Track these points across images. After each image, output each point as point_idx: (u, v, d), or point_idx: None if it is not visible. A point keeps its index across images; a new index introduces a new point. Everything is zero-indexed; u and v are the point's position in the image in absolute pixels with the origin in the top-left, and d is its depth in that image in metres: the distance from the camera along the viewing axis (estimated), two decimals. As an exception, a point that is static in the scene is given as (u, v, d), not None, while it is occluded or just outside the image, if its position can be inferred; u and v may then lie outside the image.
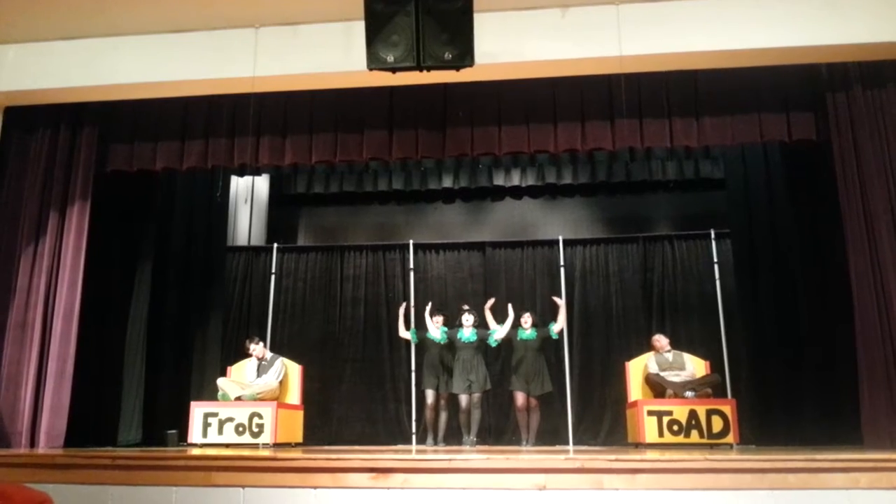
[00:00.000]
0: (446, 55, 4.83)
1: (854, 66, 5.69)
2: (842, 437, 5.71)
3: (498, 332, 7.16)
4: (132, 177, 6.59)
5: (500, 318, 7.38)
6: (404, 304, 7.71)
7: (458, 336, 7.16)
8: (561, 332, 7.29)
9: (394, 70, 4.93)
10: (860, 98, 5.65)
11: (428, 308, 7.42)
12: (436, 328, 7.29)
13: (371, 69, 4.92)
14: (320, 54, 5.72)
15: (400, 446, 7.16)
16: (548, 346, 7.41)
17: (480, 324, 7.34)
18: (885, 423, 5.09)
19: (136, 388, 6.91)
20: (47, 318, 5.97)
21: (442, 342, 7.23)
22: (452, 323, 7.42)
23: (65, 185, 6.25)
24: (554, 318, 7.26)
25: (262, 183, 9.68)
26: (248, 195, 9.49)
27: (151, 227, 7.33)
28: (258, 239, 9.49)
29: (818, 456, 3.74)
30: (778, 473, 3.64)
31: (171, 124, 6.42)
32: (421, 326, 7.49)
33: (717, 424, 5.94)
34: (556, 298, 7.43)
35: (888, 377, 5.15)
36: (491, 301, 7.39)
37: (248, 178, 9.31)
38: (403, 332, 7.54)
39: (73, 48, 6.04)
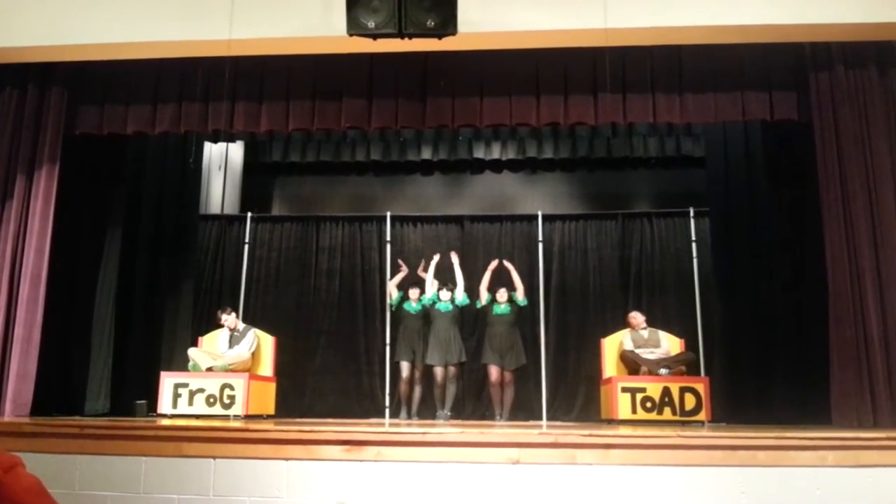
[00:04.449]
0: (429, 22, 4.74)
1: (837, 47, 5.70)
2: (811, 416, 5.79)
3: (518, 290, 7.21)
4: (102, 141, 6.42)
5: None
6: (429, 265, 7.55)
7: (436, 307, 7.13)
8: (526, 296, 7.30)
9: (374, 36, 4.83)
10: (842, 78, 5.66)
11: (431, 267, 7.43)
12: (431, 287, 7.25)
13: (351, 35, 4.81)
14: (299, 18, 5.56)
15: (373, 419, 7.14)
16: (522, 321, 7.41)
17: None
18: (854, 403, 5.17)
19: (105, 356, 6.77)
20: (13, 283, 5.83)
21: (415, 311, 7.17)
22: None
23: (32, 148, 6.07)
24: (512, 287, 7.23)
25: (236, 150, 9.49)
26: (222, 162, 9.30)
27: (122, 193, 7.13)
28: (231, 207, 9.33)
29: (787, 434, 3.79)
30: (748, 451, 3.68)
31: (144, 87, 6.25)
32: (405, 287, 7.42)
33: (690, 402, 5.98)
34: (505, 262, 7.44)
35: (858, 357, 5.23)
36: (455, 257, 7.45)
37: (221, 145, 9.11)
38: (392, 286, 7.46)
39: (43, 5, 5.81)
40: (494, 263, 7.39)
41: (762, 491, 3.58)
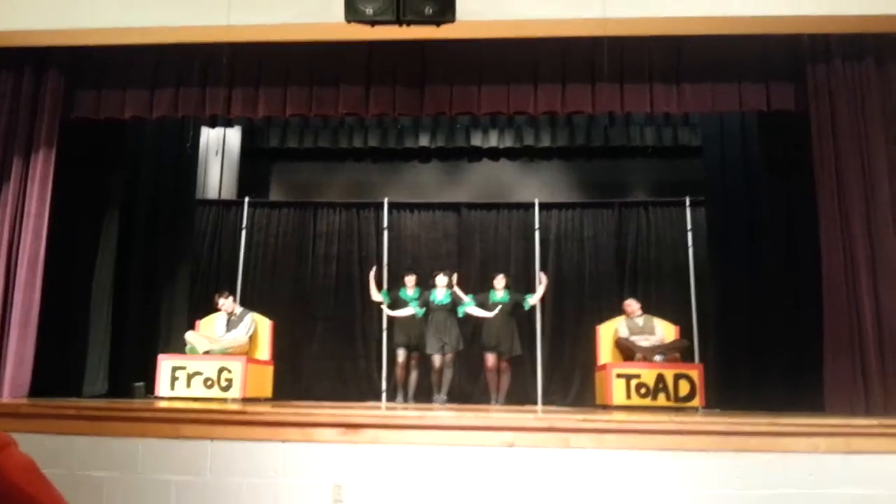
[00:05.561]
0: (427, 10, 4.73)
1: (835, 38, 5.69)
2: (804, 403, 5.83)
3: (533, 297, 7.24)
4: (99, 125, 6.40)
5: (481, 286, 7.42)
6: (374, 269, 7.63)
7: (431, 298, 7.14)
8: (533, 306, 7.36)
9: (372, 23, 4.81)
10: (840, 70, 5.67)
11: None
12: (410, 290, 7.29)
13: (349, 21, 4.80)
14: (297, 4, 5.55)
15: (370, 403, 7.18)
16: (519, 309, 7.44)
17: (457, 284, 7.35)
18: (847, 391, 5.21)
19: (103, 339, 6.79)
20: (10, 266, 5.84)
21: (417, 311, 7.14)
22: (425, 283, 7.40)
23: (29, 132, 6.06)
24: (531, 290, 7.27)
25: (233, 135, 9.46)
26: (219, 147, 9.28)
27: (119, 177, 7.12)
28: (229, 192, 9.32)
29: (780, 420, 3.84)
30: (741, 437, 3.73)
31: (141, 72, 6.23)
32: (392, 287, 7.46)
33: (684, 388, 6.03)
34: (542, 274, 7.45)
35: (851, 346, 5.27)
36: (455, 276, 7.24)
37: (219, 130, 9.09)
38: (376, 295, 7.47)
39: (40, -12, 5.80)
40: (455, 276, 7.20)
41: (755, 476, 3.63)
